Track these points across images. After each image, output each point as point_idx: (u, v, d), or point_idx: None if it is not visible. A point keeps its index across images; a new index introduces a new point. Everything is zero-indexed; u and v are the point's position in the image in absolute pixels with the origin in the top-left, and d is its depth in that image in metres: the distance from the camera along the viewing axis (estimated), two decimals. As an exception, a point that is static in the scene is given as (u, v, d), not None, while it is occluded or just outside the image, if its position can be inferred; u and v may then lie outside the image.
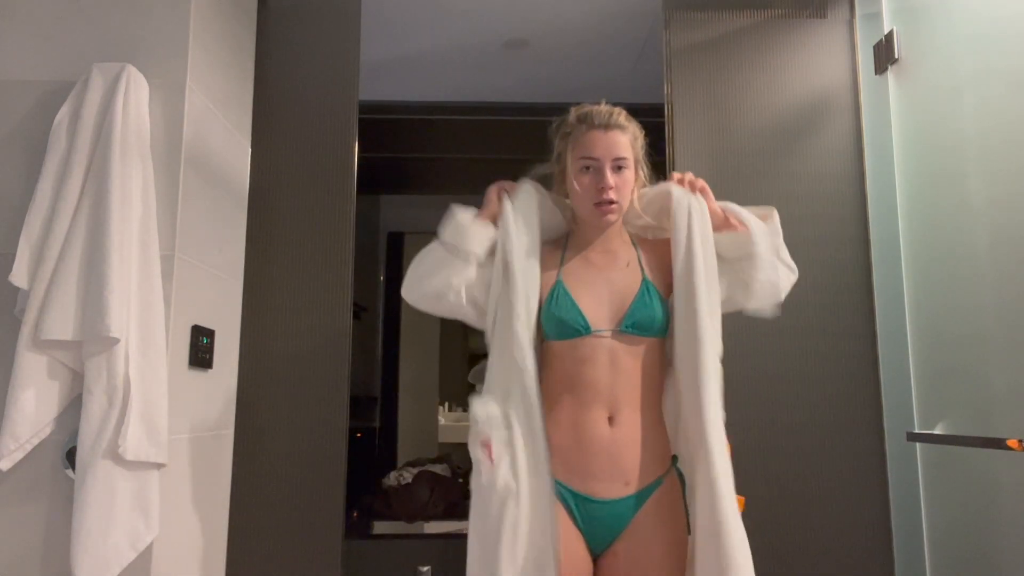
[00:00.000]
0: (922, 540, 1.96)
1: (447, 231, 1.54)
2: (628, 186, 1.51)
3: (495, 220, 1.55)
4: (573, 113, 1.55)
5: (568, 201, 1.60)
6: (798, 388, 2.10)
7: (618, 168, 1.48)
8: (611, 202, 1.47)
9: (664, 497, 1.43)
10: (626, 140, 1.50)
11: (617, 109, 1.52)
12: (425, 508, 2.78)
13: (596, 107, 1.52)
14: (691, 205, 1.50)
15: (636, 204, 1.57)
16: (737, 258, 1.52)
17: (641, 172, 1.57)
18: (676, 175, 1.55)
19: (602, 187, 1.47)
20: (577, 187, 1.50)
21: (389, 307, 4.06)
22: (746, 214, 1.54)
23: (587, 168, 1.49)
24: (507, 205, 1.54)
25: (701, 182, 1.54)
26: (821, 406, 2.09)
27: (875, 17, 2.19)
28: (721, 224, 1.53)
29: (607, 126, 1.49)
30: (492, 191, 1.57)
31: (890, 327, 2.08)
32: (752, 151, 2.21)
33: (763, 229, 1.53)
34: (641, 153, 1.56)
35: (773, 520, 2.04)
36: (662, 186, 1.57)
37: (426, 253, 1.56)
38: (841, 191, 2.19)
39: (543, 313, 1.49)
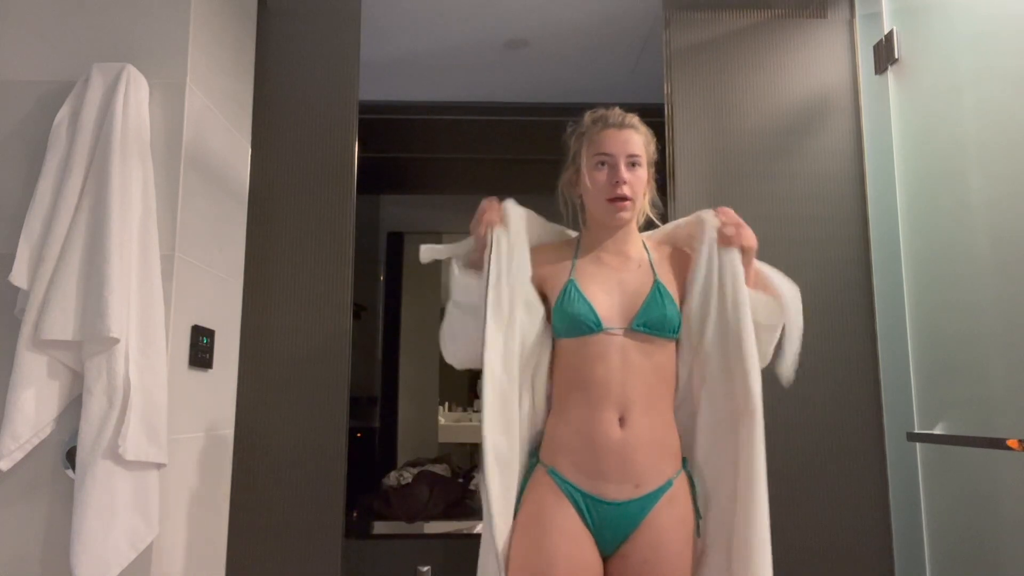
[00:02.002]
0: (922, 540, 1.96)
1: (453, 290, 1.56)
2: (641, 184, 1.53)
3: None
4: (588, 116, 1.58)
5: (562, 224, 1.64)
6: (798, 388, 2.09)
7: (632, 165, 1.51)
8: (625, 198, 1.49)
9: (674, 499, 1.44)
10: (640, 139, 1.53)
11: (631, 114, 1.56)
12: (425, 508, 2.78)
13: (610, 110, 1.56)
14: (714, 239, 1.50)
15: (647, 207, 1.60)
16: (762, 324, 1.50)
17: (652, 176, 1.59)
18: (723, 217, 1.52)
19: (616, 181, 1.48)
20: (591, 183, 1.52)
21: (389, 307, 4.05)
22: (779, 280, 1.54)
23: (602, 164, 1.51)
24: (496, 235, 1.51)
25: (746, 237, 1.50)
26: (821, 406, 2.09)
27: (875, 17, 2.19)
28: (752, 285, 1.52)
29: (621, 125, 1.52)
30: (480, 229, 1.51)
31: (890, 327, 2.08)
32: (752, 151, 2.21)
33: (794, 301, 1.53)
34: (654, 157, 1.59)
35: (773, 520, 2.03)
36: (696, 215, 1.57)
37: (447, 321, 1.59)
38: (841, 191, 2.19)
39: (555, 311, 1.50)
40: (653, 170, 1.59)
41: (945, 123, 1.88)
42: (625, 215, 1.51)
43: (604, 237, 1.56)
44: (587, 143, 1.54)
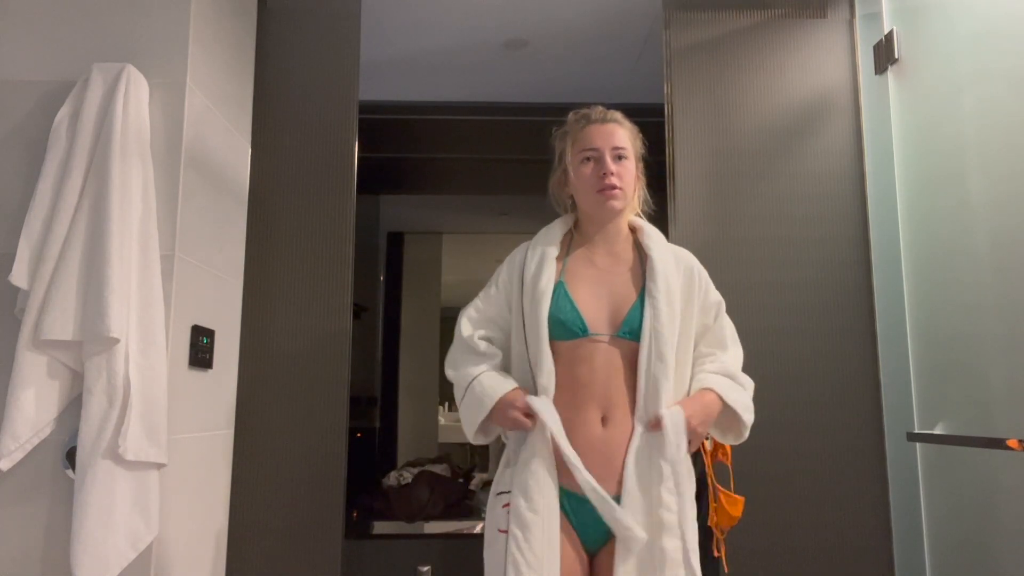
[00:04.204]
0: (922, 540, 1.96)
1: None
2: (630, 176, 1.54)
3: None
4: (571, 115, 1.60)
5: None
6: (798, 388, 2.10)
7: (618, 158, 1.52)
8: (613, 187, 1.49)
9: None
10: (625, 133, 1.55)
11: (614, 110, 1.57)
12: (425, 508, 2.78)
13: (592, 108, 1.58)
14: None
15: (638, 203, 1.60)
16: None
17: (641, 172, 1.59)
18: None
19: (604, 173, 1.49)
20: (579, 179, 1.53)
21: (389, 307, 4.06)
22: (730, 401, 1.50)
23: (587, 159, 1.52)
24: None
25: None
26: (821, 406, 2.09)
27: (875, 17, 2.19)
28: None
29: (604, 119, 1.54)
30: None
31: (890, 327, 2.08)
32: (752, 151, 2.21)
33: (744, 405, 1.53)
34: (641, 151, 1.60)
35: (773, 520, 2.04)
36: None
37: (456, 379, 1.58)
38: (841, 191, 2.19)
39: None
40: (642, 166, 1.60)
41: (945, 123, 1.88)
42: (616, 204, 1.51)
43: (595, 234, 1.57)
44: (572, 141, 1.56)
